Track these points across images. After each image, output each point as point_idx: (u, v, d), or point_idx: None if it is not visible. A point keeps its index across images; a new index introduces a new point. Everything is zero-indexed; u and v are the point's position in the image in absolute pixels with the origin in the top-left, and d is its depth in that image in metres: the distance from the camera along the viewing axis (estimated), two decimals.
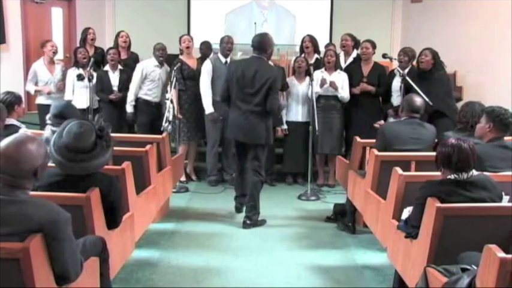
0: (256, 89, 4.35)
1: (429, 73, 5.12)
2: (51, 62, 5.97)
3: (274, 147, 5.98)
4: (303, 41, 6.22)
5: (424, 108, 4.09)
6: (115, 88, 5.85)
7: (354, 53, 6.18)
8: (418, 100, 4.02)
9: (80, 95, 5.75)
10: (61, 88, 5.88)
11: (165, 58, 5.90)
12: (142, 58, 6.12)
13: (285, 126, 5.93)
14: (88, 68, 5.60)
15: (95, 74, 5.74)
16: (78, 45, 6.54)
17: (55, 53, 5.97)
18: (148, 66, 5.79)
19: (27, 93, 6.18)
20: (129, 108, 5.79)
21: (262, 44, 4.44)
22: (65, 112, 3.60)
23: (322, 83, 5.59)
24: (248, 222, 4.51)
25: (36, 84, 5.87)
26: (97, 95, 5.76)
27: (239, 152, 4.66)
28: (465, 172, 2.61)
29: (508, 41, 6.18)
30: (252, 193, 4.54)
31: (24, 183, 2.06)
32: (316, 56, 6.21)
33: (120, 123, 5.78)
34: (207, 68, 5.63)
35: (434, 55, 5.13)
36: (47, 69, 5.91)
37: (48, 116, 3.70)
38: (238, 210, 4.73)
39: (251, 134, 4.43)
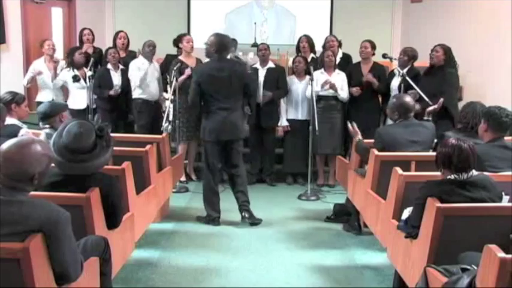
0: (233, 88, 4.44)
1: (439, 69, 5.09)
2: (52, 60, 5.98)
3: (274, 147, 6.03)
4: (300, 41, 6.29)
5: (415, 104, 4.05)
6: (117, 88, 5.84)
7: (340, 53, 6.24)
8: (407, 100, 3.93)
9: (77, 96, 5.76)
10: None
11: (155, 55, 5.95)
12: None
13: (285, 123, 5.93)
14: (88, 68, 5.59)
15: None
16: (76, 46, 6.55)
17: (54, 50, 6.01)
18: (141, 67, 5.80)
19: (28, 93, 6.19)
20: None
21: (223, 44, 4.46)
22: (49, 111, 3.60)
23: (323, 85, 5.60)
24: (251, 219, 4.50)
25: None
26: (94, 92, 5.65)
27: (219, 154, 4.56)
28: (465, 172, 2.61)
29: (508, 41, 6.16)
30: (246, 190, 4.58)
31: (23, 186, 2.06)
32: (312, 55, 6.24)
33: (116, 123, 5.78)
34: None
35: (447, 51, 5.10)
36: (47, 67, 5.93)
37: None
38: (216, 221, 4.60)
39: (234, 130, 4.49)
